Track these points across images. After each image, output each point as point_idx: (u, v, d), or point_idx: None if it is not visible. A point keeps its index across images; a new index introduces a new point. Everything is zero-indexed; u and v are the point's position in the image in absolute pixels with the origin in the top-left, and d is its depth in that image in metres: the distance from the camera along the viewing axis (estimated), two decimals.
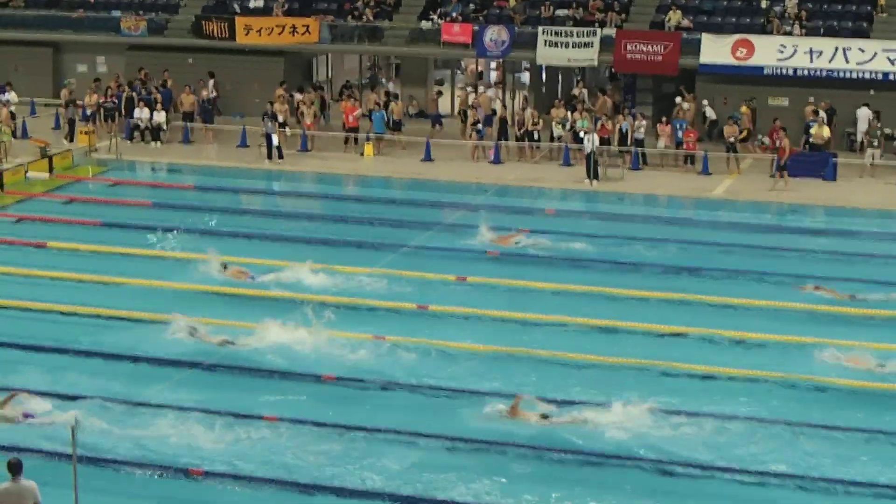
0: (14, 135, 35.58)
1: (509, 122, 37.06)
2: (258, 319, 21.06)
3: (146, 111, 37.94)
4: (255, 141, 36.61)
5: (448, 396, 18.56)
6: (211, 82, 40.28)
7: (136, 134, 38.05)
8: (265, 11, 41.50)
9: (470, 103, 38.19)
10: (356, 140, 37.22)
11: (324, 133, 38.01)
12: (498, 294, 23.73)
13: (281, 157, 35.31)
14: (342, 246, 26.86)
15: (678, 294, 23.49)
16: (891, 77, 34.97)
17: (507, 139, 36.56)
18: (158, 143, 37.74)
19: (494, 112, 37.72)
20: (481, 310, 22.40)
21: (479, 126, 36.45)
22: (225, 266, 24.41)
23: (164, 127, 37.93)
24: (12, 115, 36.73)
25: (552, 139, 36.23)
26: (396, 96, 39.54)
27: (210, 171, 34.88)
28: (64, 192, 31.98)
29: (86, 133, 36.65)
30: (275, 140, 35.26)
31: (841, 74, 35.33)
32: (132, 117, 38.09)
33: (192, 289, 23.58)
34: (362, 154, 36.47)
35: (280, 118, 36.63)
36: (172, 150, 37.12)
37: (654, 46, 36.84)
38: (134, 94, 38.86)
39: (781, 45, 35.89)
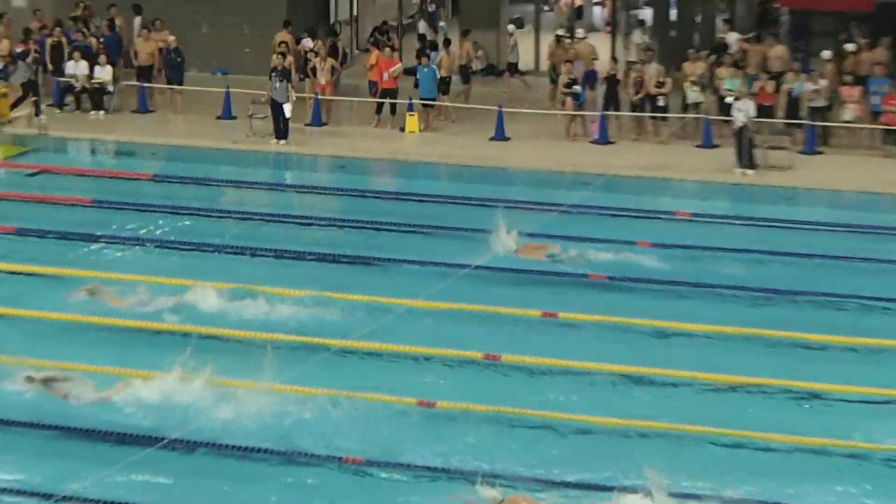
0: None
1: (621, 84, 36.99)
2: (241, 374, 20.89)
3: (83, 65, 38.19)
4: (244, 111, 36.77)
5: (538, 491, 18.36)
6: (137, 20, 40.30)
7: (70, 98, 38.39)
8: None
9: (563, 55, 38.08)
10: (393, 109, 37.25)
11: (347, 98, 38.09)
12: (605, 338, 23.61)
13: (285, 136, 35.43)
14: (373, 266, 26.98)
15: (866, 339, 23.31)
16: None
17: (617, 108, 36.58)
18: (101, 111, 38.13)
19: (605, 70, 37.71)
20: (579, 362, 22.22)
21: (577, 88, 36.42)
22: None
23: (111, 88, 38.29)
24: None
25: (685, 108, 36.27)
26: (448, 42, 39.45)
27: (177, 154, 35.41)
28: None
29: None
30: (287, 111, 35.34)
31: None
32: (63, 74, 38.40)
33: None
34: (402, 129, 36.72)
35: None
36: (123, 123, 37.52)
37: None
38: (65, 39, 39.08)
39: None
